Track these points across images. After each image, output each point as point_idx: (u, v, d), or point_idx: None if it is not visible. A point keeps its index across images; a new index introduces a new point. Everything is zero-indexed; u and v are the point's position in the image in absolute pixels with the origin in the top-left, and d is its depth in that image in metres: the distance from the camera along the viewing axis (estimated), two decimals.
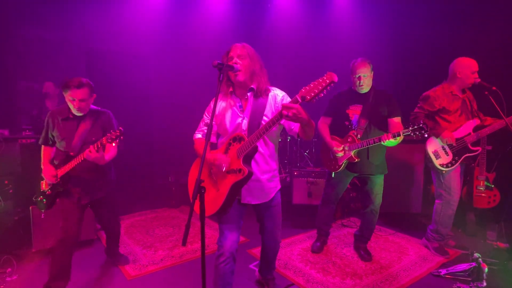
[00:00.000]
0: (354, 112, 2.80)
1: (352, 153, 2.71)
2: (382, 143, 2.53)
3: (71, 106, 2.33)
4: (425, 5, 4.42)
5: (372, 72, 2.77)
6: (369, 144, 2.60)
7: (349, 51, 4.85)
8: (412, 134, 2.39)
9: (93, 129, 2.40)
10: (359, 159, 2.72)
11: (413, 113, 3.02)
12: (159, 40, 5.21)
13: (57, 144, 2.41)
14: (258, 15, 5.73)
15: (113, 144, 2.12)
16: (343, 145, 2.74)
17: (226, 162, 1.84)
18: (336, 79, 1.51)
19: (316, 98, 1.53)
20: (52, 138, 2.42)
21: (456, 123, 2.89)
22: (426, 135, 2.39)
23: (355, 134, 2.71)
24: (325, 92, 1.53)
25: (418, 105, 3.01)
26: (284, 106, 1.59)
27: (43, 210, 2.45)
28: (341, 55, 4.85)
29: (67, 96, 2.28)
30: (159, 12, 5.11)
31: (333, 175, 2.94)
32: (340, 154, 2.75)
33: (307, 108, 1.63)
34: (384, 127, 2.73)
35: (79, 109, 2.33)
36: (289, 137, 5.03)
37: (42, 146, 2.47)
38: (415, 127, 2.37)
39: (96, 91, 2.42)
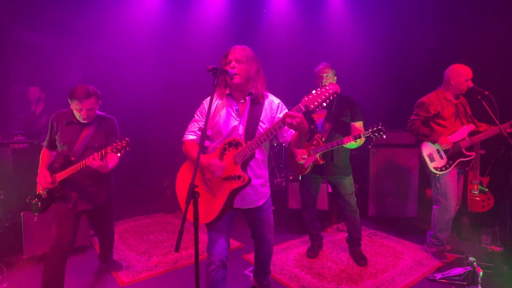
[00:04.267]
0: (319, 116, 2.92)
1: (317, 155, 2.81)
2: (344, 145, 2.66)
3: (77, 114, 2.29)
4: (421, 10, 4.47)
5: (335, 77, 2.91)
6: (333, 147, 2.71)
7: (345, 55, 4.89)
8: (371, 135, 2.53)
9: (97, 135, 2.37)
10: (324, 161, 2.83)
11: (410, 120, 3.04)
12: (154, 43, 5.21)
13: (59, 148, 2.36)
14: (254, 19, 5.76)
15: (118, 154, 2.07)
16: (307, 154, 2.83)
17: (221, 168, 1.79)
18: (339, 90, 1.55)
19: (319, 107, 1.54)
20: (53, 142, 2.38)
21: (451, 128, 2.92)
22: (384, 137, 2.52)
23: (320, 137, 2.83)
24: (327, 102, 1.54)
25: (414, 112, 3.04)
26: (289, 115, 1.58)
27: (36, 214, 2.40)
28: (337, 59, 4.88)
29: (74, 105, 2.25)
30: (154, 15, 5.11)
31: (299, 177, 3.07)
32: (302, 161, 2.84)
33: None
34: (347, 131, 2.85)
35: (86, 118, 2.31)
36: (275, 143, 4.94)
37: (43, 148, 2.43)
38: (374, 128, 2.51)
39: None
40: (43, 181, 2.27)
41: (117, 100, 4.72)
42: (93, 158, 2.10)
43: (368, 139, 2.65)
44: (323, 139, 2.81)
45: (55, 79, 4.50)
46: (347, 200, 2.95)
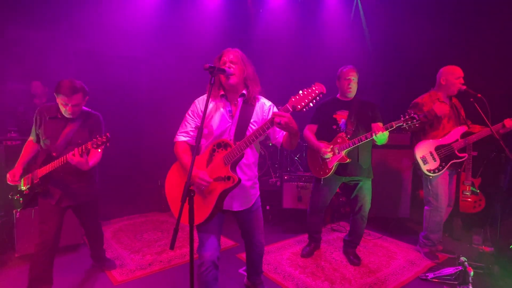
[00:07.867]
0: (341, 116, 2.87)
1: (343, 153, 2.73)
2: (374, 136, 2.55)
3: (62, 109, 2.26)
4: (415, 12, 4.51)
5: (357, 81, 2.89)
6: (361, 141, 2.63)
7: (341, 55, 4.91)
8: (404, 124, 2.45)
9: (80, 131, 2.33)
10: (350, 160, 2.74)
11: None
12: (150, 41, 5.17)
13: (41, 142, 2.33)
14: (251, 21, 5.76)
15: (99, 150, 2.04)
16: (331, 146, 2.76)
17: (207, 183, 1.76)
18: (325, 90, 1.56)
19: (306, 107, 1.56)
20: (37, 135, 2.35)
21: (444, 129, 2.95)
22: (417, 125, 2.51)
23: (344, 135, 2.76)
24: (314, 102, 1.56)
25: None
26: (277, 114, 1.60)
27: (19, 210, 2.38)
28: (331, 62, 4.90)
29: (60, 100, 2.20)
30: (150, 12, 5.07)
31: (321, 181, 2.92)
32: (329, 155, 2.75)
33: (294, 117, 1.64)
34: (370, 130, 2.78)
35: (72, 114, 2.27)
36: (270, 143, 4.95)
37: (28, 139, 2.40)
38: (407, 117, 2.43)
39: None
40: (10, 178, 2.26)
41: (112, 97, 4.70)
42: (73, 154, 2.08)
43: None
44: (348, 137, 2.75)
45: (49, 75, 4.45)
46: (362, 205, 2.89)
